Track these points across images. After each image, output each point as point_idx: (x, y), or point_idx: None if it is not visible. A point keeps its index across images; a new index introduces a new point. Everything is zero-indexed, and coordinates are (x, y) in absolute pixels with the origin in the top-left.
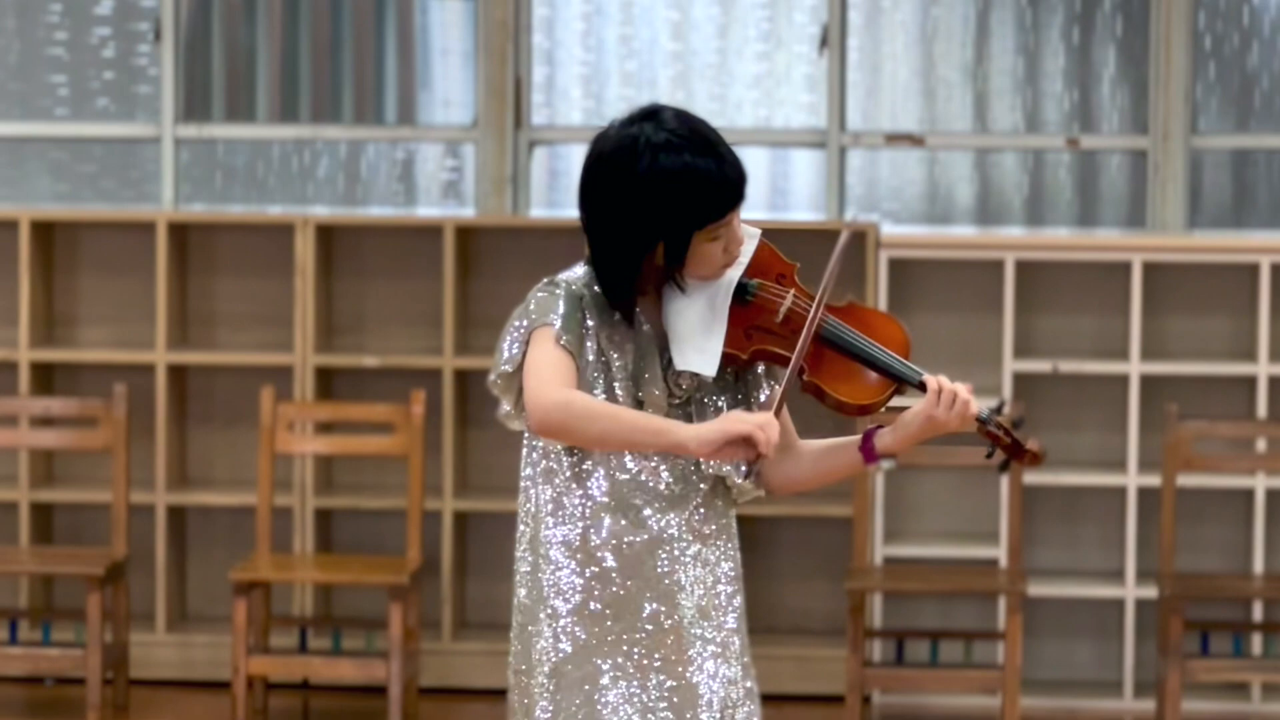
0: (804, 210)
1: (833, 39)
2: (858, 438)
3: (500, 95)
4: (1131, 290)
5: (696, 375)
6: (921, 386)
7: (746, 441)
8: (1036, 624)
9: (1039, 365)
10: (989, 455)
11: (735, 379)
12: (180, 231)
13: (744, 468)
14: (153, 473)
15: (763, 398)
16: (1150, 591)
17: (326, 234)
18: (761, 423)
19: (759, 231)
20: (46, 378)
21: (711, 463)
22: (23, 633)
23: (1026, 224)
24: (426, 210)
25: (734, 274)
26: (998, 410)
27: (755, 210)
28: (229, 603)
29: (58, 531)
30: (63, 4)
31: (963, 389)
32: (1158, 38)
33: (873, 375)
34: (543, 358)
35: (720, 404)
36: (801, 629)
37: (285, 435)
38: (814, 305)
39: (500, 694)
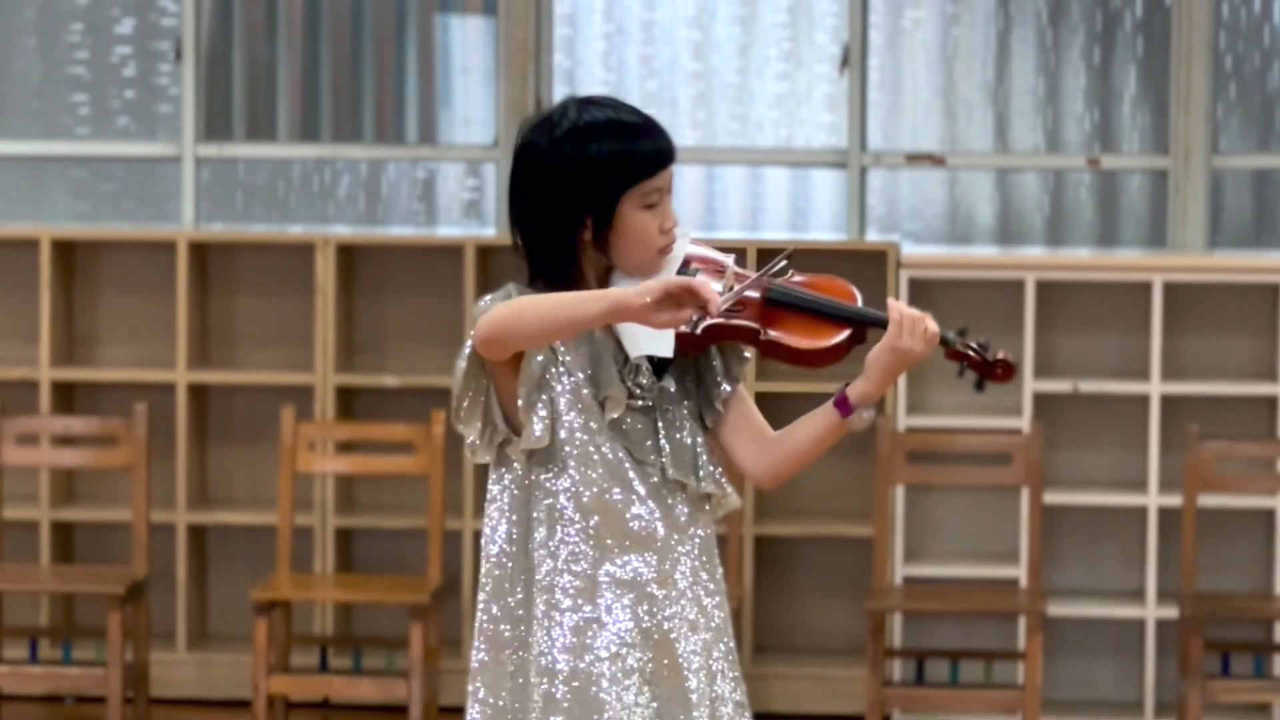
0: (825, 230)
1: (853, 59)
2: (830, 401)
3: (521, 115)
4: (1152, 310)
5: (655, 376)
6: (884, 324)
7: (688, 295)
8: (1057, 644)
9: (1059, 385)
10: (960, 374)
11: (696, 384)
12: (201, 251)
13: (694, 319)
14: (173, 492)
15: (724, 393)
16: (1171, 611)
17: (347, 253)
18: (702, 280)
19: (689, 232)
20: (67, 397)
21: (667, 461)
22: (43, 651)
23: (1047, 244)
24: (447, 230)
25: (672, 267)
26: (962, 333)
27: (775, 230)
28: (250, 622)
29: (78, 550)
30: (83, 23)
31: (919, 312)
32: (1178, 58)
33: (827, 323)
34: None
35: (684, 411)
36: (821, 648)
37: (306, 454)
38: (758, 272)
39: None
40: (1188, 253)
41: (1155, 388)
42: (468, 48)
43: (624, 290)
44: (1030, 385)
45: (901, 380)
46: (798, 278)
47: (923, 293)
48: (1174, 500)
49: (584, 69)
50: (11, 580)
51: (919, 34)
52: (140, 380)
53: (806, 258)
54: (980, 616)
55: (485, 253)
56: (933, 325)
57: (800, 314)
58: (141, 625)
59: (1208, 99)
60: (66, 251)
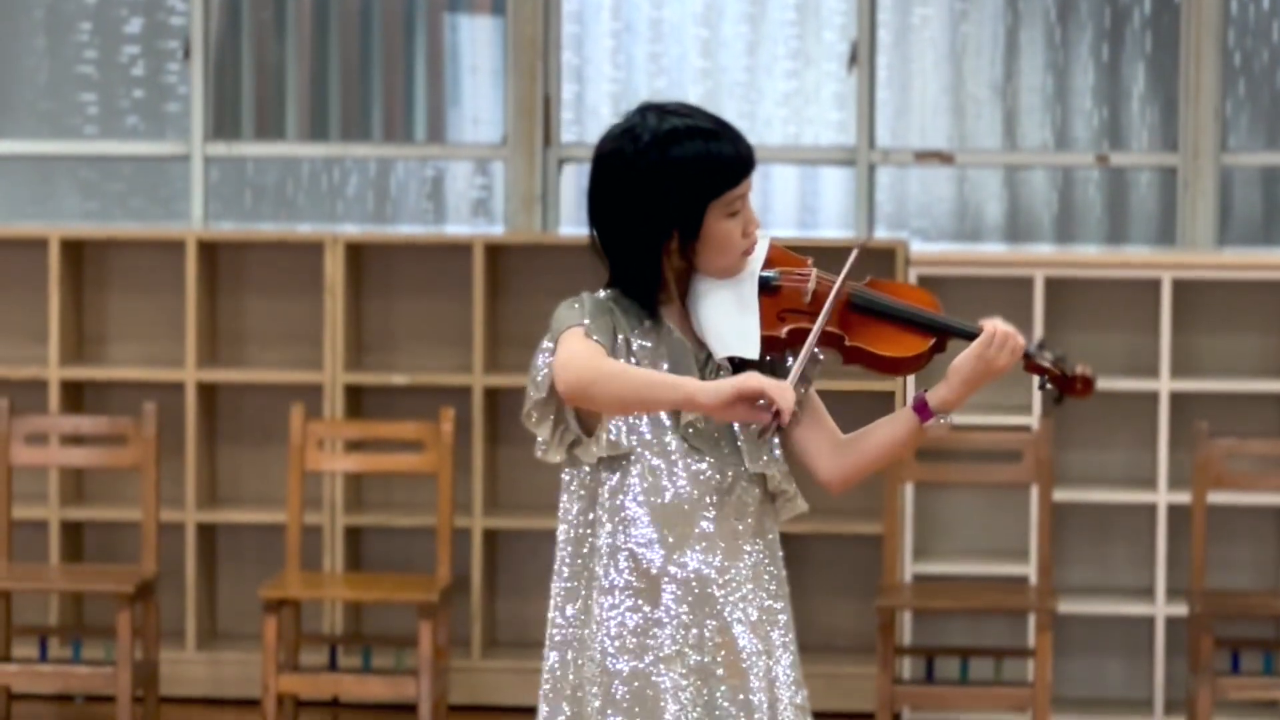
0: (833, 228)
1: (862, 56)
2: (907, 406)
3: (530, 113)
4: (1161, 307)
5: (734, 374)
6: (971, 336)
7: (761, 400)
8: (1067, 641)
9: None
10: (1041, 387)
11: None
12: (210, 250)
13: (759, 430)
14: (182, 490)
15: (799, 393)
16: (1181, 609)
17: (356, 252)
18: (779, 384)
19: (770, 234)
20: (76, 396)
21: (747, 464)
22: (53, 650)
23: (1056, 241)
24: (456, 228)
25: (755, 267)
26: (1041, 346)
27: (784, 228)
28: (259, 620)
29: (88, 549)
30: (92, 22)
31: (1009, 327)
32: (1187, 54)
33: (912, 331)
34: (574, 342)
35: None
36: (831, 646)
37: (315, 453)
38: (842, 273)
39: (530, 711)
40: (1197, 250)
41: (1164, 385)
42: (476, 46)
43: (698, 386)
44: (1039, 381)
45: (910, 377)
46: (877, 281)
47: (931, 290)
48: (1183, 498)
49: (592, 67)
50: (21, 579)
51: (927, 31)
52: (149, 379)
53: (814, 255)
54: (990, 614)
55: (494, 251)
56: (1019, 338)
57: (884, 321)
58: (151, 624)
59: (1217, 96)
60: (75, 251)
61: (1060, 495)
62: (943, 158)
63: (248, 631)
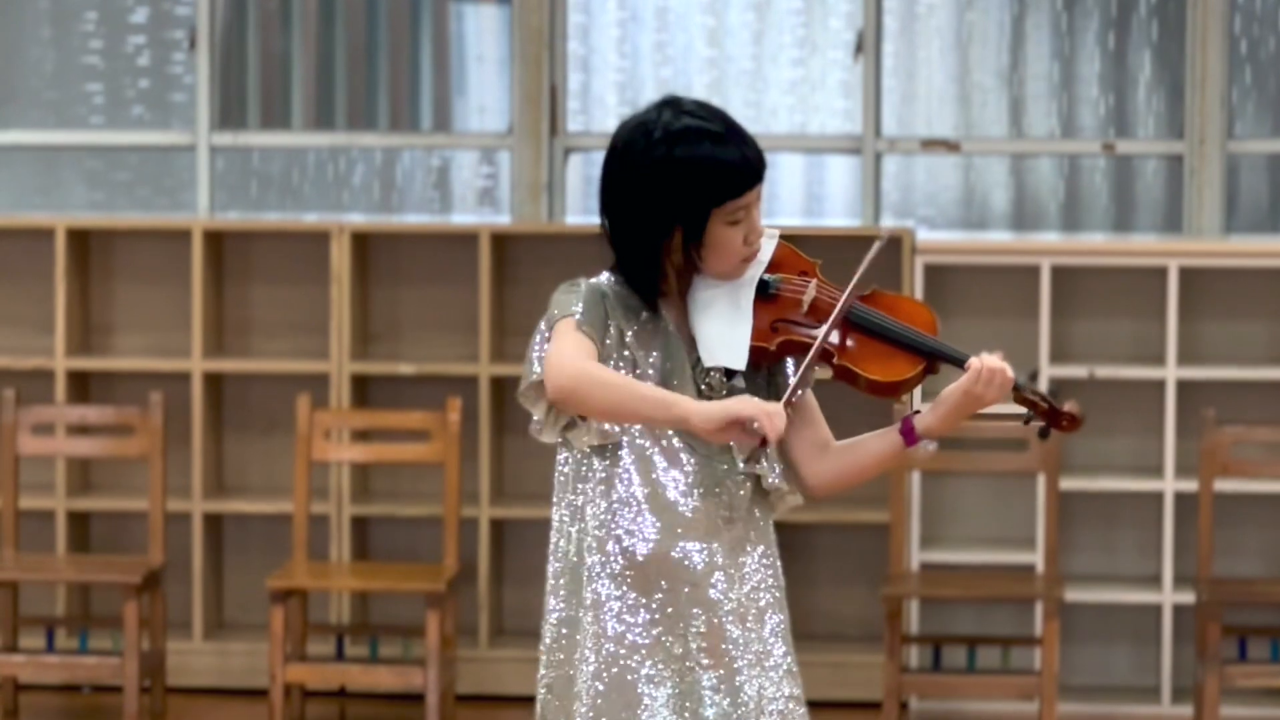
0: (840, 217)
1: (868, 45)
2: (895, 425)
3: (535, 102)
4: (1168, 295)
5: (726, 376)
6: (962, 365)
7: (751, 425)
8: (1074, 629)
9: (1075, 370)
10: (1026, 422)
11: (766, 382)
12: (216, 239)
13: (745, 453)
14: (189, 481)
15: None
16: (1188, 597)
17: (362, 241)
18: (769, 410)
19: (778, 232)
20: (83, 386)
21: (742, 464)
22: (60, 641)
23: (1062, 229)
24: (462, 217)
25: (755, 271)
26: (1032, 378)
27: (790, 216)
28: (266, 610)
29: (94, 540)
30: (98, 12)
31: (999, 360)
32: (1193, 42)
33: (903, 354)
34: (565, 338)
35: None
36: (838, 635)
37: (321, 443)
38: (845, 292)
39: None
40: (1203, 237)
41: (1171, 373)
42: (482, 35)
43: (691, 408)
44: (1046, 371)
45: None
46: (880, 293)
47: (938, 279)
48: (1190, 485)
49: (598, 56)
50: (28, 570)
51: (933, 20)
52: (156, 369)
53: (820, 244)
54: (997, 602)
55: (500, 240)
56: (1008, 373)
57: (879, 341)
58: (158, 614)
59: (1223, 83)
60: (81, 241)
61: (1067, 483)
62: (949, 146)
63: (254, 621)
